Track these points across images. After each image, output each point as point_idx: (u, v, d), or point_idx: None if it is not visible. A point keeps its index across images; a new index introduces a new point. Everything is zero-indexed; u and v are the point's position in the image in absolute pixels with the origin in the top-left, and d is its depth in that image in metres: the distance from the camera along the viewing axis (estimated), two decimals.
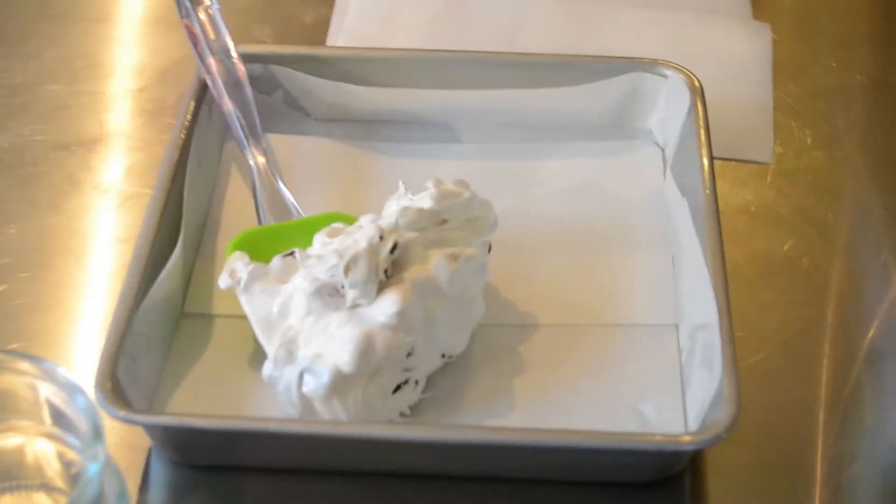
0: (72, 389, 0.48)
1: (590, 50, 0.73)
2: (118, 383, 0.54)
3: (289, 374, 0.55)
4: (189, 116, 0.65)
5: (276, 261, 0.58)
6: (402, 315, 0.55)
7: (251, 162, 0.65)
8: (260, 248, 0.60)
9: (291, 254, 0.58)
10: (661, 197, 0.67)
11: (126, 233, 0.67)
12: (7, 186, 0.69)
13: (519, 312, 0.62)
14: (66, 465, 0.51)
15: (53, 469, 0.52)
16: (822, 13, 0.82)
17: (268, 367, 0.56)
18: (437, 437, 0.54)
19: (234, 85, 0.66)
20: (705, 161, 0.63)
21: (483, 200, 0.60)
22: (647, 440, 0.54)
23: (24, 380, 0.49)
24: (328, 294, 0.56)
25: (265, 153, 0.65)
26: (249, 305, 0.58)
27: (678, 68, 0.68)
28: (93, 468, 0.46)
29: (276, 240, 0.61)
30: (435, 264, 0.57)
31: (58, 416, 0.49)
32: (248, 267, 0.58)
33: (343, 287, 0.56)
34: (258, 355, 0.58)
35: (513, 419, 0.57)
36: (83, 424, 0.47)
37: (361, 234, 0.57)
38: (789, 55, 0.78)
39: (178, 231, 0.61)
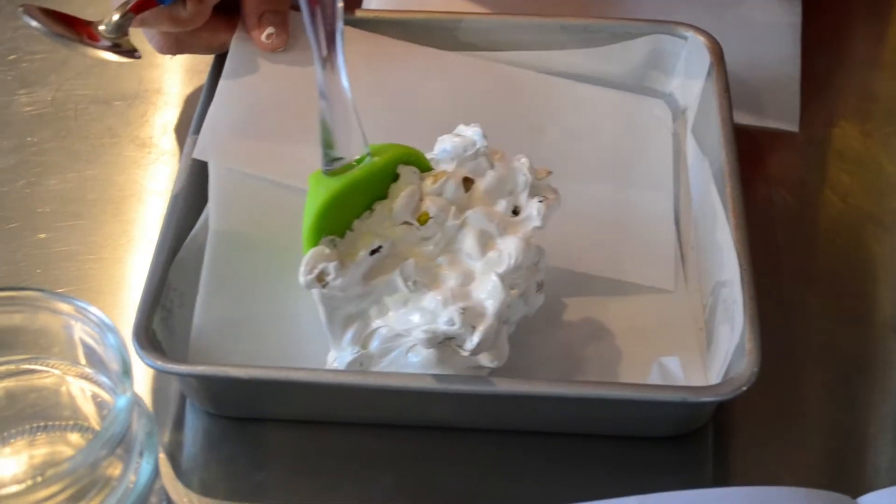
0: (104, 328, 0.49)
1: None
2: (154, 334, 0.56)
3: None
4: (217, 72, 0.66)
5: (363, 258, 0.56)
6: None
7: (322, 84, 0.55)
8: (335, 213, 0.56)
9: (378, 249, 0.56)
10: (669, 155, 0.68)
11: (163, 185, 0.68)
12: (48, 139, 0.71)
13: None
14: (99, 405, 0.52)
15: (87, 409, 0.53)
16: None
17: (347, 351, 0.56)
18: (463, 389, 0.54)
19: None
20: (725, 121, 0.64)
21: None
22: (669, 391, 0.55)
23: (59, 319, 0.50)
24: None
25: (341, 72, 0.55)
26: (325, 298, 0.56)
27: (698, 30, 0.69)
28: (121, 402, 0.47)
29: (351, 195, 0.56)
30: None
31: (91, 356, 0.51)
32: (333, 267, 0.55)
33: (464, 344, 0.55)
34: (292, 307, 0.59)
35: (534, 373, 0.58)
36: (114, 363, 0.48)
37: (488, 295, 0.55)
38: (819, 26, 0.78)
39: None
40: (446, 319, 0.54)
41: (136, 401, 0.50)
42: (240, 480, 0.56)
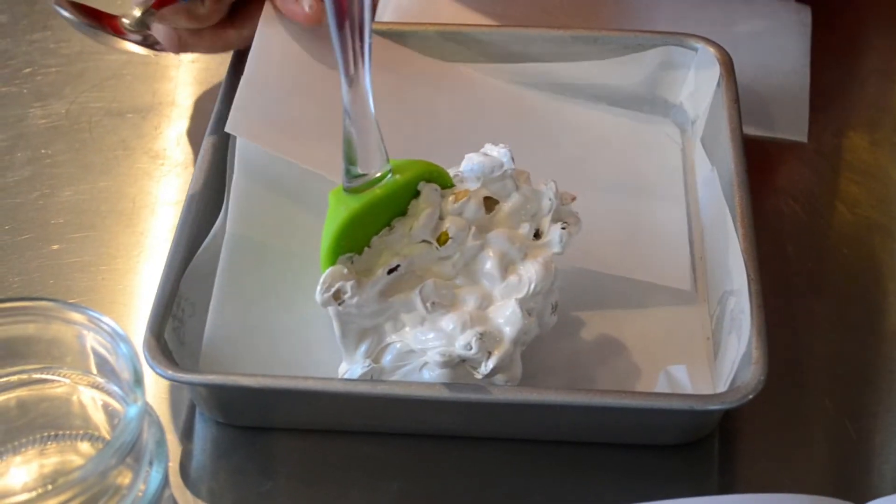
0: (116, 337, 0.49)
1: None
2: (165, 344, 0.56)
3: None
4: (232, 81, 0.66)
5: (380, 276, 0.56)
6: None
7: (347, 102, 0.54)
8: (353, 231, 0.56)
9: (396, 268, 0.56)
10: (679, 170, 0.68)
11: (175, 197, 0.69)
12: (63, 151, 0.71)
13: None
14: (110, 415, 0.53)
15: (98, 419, 0.53)
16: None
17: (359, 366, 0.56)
18: (470, 398, 0.55)
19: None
20: (735, 131, 0.64)
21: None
22: (676, 400, 0.55)
23: (72, 329, 0.50)
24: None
25: (367, 92, 0.54)
26: (340, 314, 0.56)
27: (707, 41, 0.69)
28: (132, 411, 0.47)
29: (372, 213, 0.56)
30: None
31: (102, 366, 0.51)
32: (351, 286, 0.55)
33: (479, 367, 0.55)
34: (304, 316, 0.60)
35: (541, 381, 0.58)
36: (125, 372, 0.49)
37: (506, 321, 0.55)
38: (829, 37, 0.78)
39: (223, 196, 0.63)
40: (463, 344, 0.54)
41: (146, 410, 0.50)
42: (248, 489, 0.56)
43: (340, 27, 0.51)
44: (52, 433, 0.53)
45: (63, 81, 0.76)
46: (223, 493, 0.56)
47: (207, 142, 0.64)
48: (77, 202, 0.69)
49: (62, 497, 0.46)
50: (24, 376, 0.52)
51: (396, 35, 0.71)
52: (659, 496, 0.52)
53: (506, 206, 0.57)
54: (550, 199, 0.57)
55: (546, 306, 0.57)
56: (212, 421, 0.59)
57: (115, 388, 0.52)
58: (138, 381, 0.48)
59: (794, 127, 0.72)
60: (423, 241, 0.56)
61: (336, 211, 0.55)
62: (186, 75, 0.76)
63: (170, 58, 0.77)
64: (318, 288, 0.55)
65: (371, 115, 0.54)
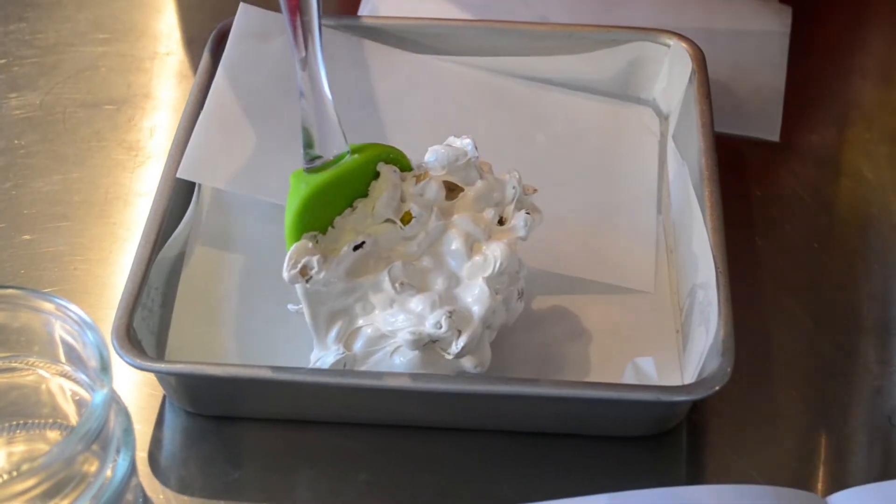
0: (83, 325, 0.49)
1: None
2: (134, 333, 0.56)
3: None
4: (206, 77, 0.67)
5: (346, 253, 0.56)
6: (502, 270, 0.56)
7: (301, 84, 0.55)
8: (316, 209, 0.56)
9: (361, 245, 0.56)
10: (655, 161, 0.68)
11: (149, 188, 0.68)
12: (37, 141, 0.71)
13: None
14: (79, 404, 0.53)
15: (66, 408, 0.53)
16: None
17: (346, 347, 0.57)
18: (438, 388, 0.55)
19: None
20: (706, 127, 0.65)
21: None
22: (643, 391, 0.55)
23: (40, 317, 0.51)
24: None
25: (320, 72, 0.55)
26: (309, 293, 0.56)
27: (681, 37, 0.69)
28: (98, 397, 0.47)
29: (332, 192, 0.56)
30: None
31: (70, 354, 0.51)
32: (317, 261, 0.55)
33: (449, 348, 0.55)
34: (272, 307, 0.60)
35: (510, 373, 0.58)
36: (92, 360, 0.49)
37: (474, 300, 0.56)
38: (808, 37, 0.79)
39: (194, 186, 0.63)
40: (433, 323, 0.54)
41: (114, 398, 0.50)
42: (216, 478, 0.56)
43: (292, 10, 0.53)
44: (21, 422, 0.53)
45: (38, 73, 0.76)
46: (192, 482, 0.56)
47: (177, 137, 0.64)
48: (50, 192, 0.69)
49: (27, 483, 0.46)
50: None
51: (369, 29, 0.71)
52: (627, 487, 0.52)
53: (470, 192, 0.58)
54: (514, 188, 0.58)
55: (512, 292, 0.57)
56: (181, 410, 0.59)
57: (82, 377, 0.52)
58: (105, 368, 0.48)
59: (766, 127, 0.73)
60: (387, 220, 0.57)
61: (297, 189, 0.56)
62: (161, 67, 0.76)
63: (146, 50, 0.77)
64: (285, 264, 0.55)
65: (325, 97, 0.55)
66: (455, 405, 0.57)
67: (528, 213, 0.58)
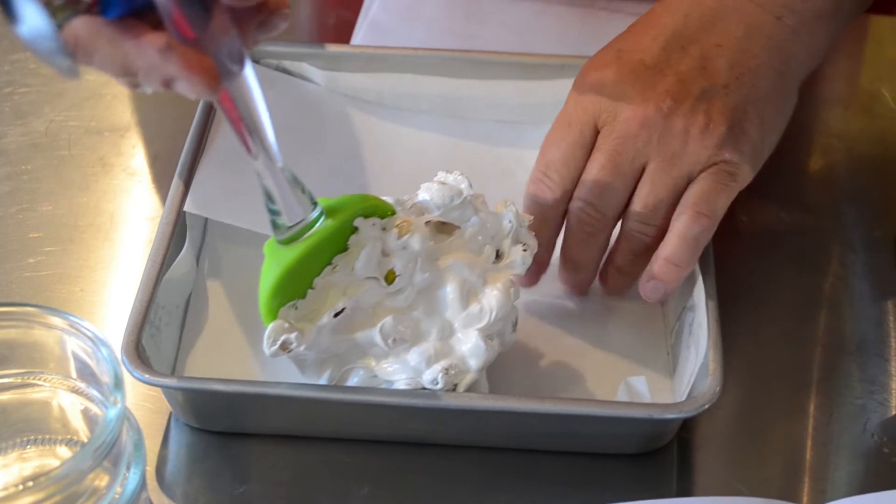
0: (97, 342, 0.51)
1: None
2: (143, 349, 0.58)
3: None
4: (208, 104, 0.69)
5: (327, 321, 0.56)
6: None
7: (257, 167, 0.54)
8: (291, 283, 0.56)
9: (342, 311, 0.56)
10: None
11: (151, 212, 0.70)
12: (42, 167, 0.73)
13: None
14: (90, 420, 0.54)
15: (77, 424, 0.55)
16: None
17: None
18: (433, 404, 0.56)
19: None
20: None
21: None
22: (635, 408, 0.57)
23: (53, 333, 0.52)
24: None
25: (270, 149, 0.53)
26: (294, 359, 0.57)
27: None
28: (111, 413, 0.49)
29: (308, 261, 0.56)
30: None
31: (83, 370, 0.53)
32: (295, 337, 0.55)
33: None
34: None
35: (505, 391, 0.60)
36: (105, 375, 0.50)
37: (470, 352, 0.56)
38: None
39: None
40: (430, 379, 0.56)
41: (125, 414, 0.52)
42: (222, 493, 0.57)
43: (235, 121, 0.51)
44: (33, 437, 0.55)
45: (42, 100, 0.77)
46: (197, 497, 0.57)
47: (181, 164, 0.66)
48: (56, 216, 0.70)
49: (39, 495, 0.47)
50: (6, 381, 0.54)
51: (341, 57, 0.73)
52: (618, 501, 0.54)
53: (467, 232, 0.58)
54: (510, 221, 0.59)
55: (507, 326, 0.59)
56: (187, 426, 0.60)
57: (94, 393, 0.53)
58: (118, 384, 0.50)
59: None
60: (370, 277, 0.57)
61: (270, 266, 0.55)
62: (164, 95, 0.77)
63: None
64: (265, 343, 0.56)
65: (278, 170, 0.53)
66: (452, 422, 0.58)
67: (525, 249, 0.58)
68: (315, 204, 0.55)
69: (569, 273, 0.64)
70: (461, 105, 0.73)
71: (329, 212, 0.56)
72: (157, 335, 0.60)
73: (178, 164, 0.66)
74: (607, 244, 0.62)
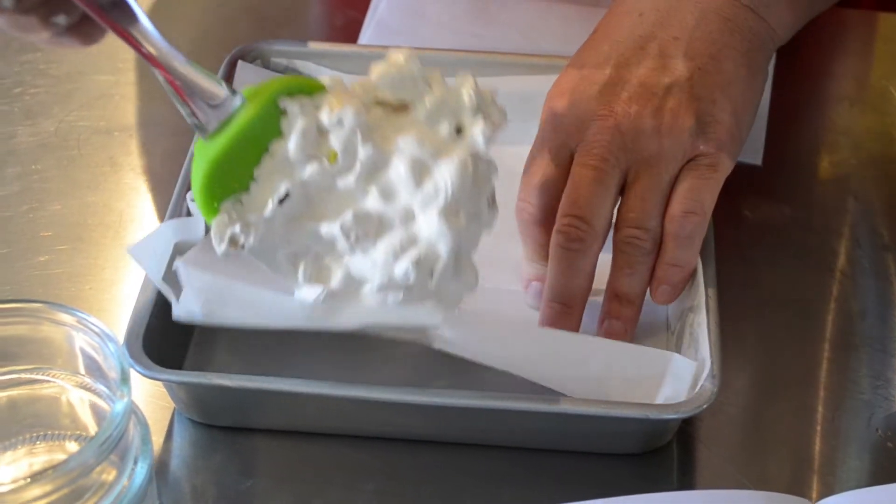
0: (104, 337, 0.51)
1: None
2: (147, 344, 0.58)
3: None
4: None
5: (273, 209, 0.54)
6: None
7: (159, 77, 0.55)
8: (225, 175, 0.54)
9: (286, 197, 0.53)
10: None
11: (160, 211, 0.71)
12: (52, 167, 0.74)
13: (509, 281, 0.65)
14: (98, 415, 0.54)
15: (86, 419, 0.55)
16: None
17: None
18: (436, 402, 0.57)
19: None
20: None
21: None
22: (634, 408, 0.57)
23: (61, 330, 0.52)
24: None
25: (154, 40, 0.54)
26: (254, 253, 0.54)
27: None
28: (118, 407, 0.49)
29: (240, 149, 0.54)
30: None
31: (91, 366, 0.53)
32: (240, 228, 0.53)
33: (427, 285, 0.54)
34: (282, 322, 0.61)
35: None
36: (112, 370, 0.51)
37: (436, 236, 0.53)
38: (793, 62, 0.81)
39: None
40: (402, 274, 0.54)
41: (132, 408, 0.52)
42: (228, 488, 0.58)
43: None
44: (42, 433, 0.55)
45: (52, 101, 0.78)
46: (204, 491, 0.58)
47: (188, 162, 0.66)
48: (65, 215, 0.71)
49: (46, 487, 0.47)
50: (15, 377, 0.54)
51: (334, 56, 0.74)
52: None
53: (421, 110, 0.55)
54: (469, 95, 0.55)
55: (480, 203, 0.55)
56: (190, 423, 0.61)
57: (102, 388, 0.53)
58: (125, 379, 0.50)
59: (749, 151, 0.74)
60: (312, 158, 0.54)
61: (197, 162, 0.54)
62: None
63: (157, 79, 0.79)
64: (214, 242, 0.54)
65: (174, 61, 0.53)
66: (452, 419, 0.59)
67: (486, 121, 0.54)
68: (235, 93, 0.53)
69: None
70: None
71: (250, 98, 0.54)
72: (161, 331, 0.60)
73: (184, 164, 0.67)
74: (597, 257, 0.61)
